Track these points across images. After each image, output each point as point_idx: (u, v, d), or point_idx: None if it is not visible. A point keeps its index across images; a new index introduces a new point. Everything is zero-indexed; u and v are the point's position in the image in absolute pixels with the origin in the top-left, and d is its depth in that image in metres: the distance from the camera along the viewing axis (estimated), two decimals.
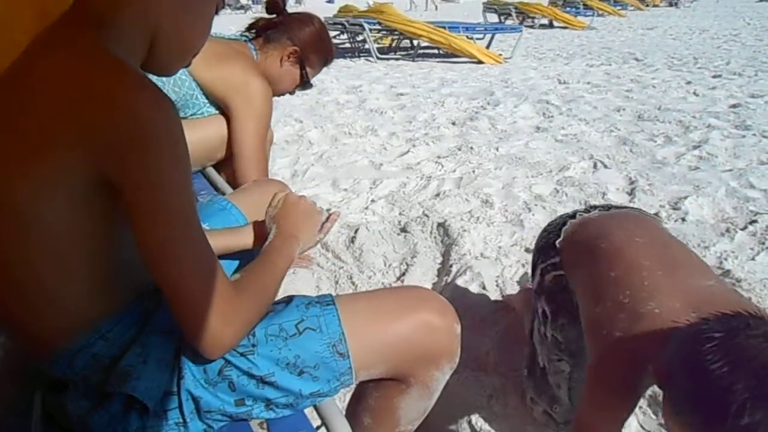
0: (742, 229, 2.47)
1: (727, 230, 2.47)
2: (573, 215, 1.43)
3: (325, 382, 0.92)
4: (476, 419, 1.66)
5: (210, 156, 1.94)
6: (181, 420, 0.86)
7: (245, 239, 1.14)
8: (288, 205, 1.10)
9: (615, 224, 1.30)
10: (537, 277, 1.41)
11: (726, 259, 2.22)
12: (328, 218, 1.15)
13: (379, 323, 0.97)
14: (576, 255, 1.33)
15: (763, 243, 2.33)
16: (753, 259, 2.23)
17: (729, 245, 2.35)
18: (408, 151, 3.74)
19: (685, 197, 2.77)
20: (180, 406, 0.85)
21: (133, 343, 0.84)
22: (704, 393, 0.76)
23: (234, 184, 1.84)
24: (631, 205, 2.75)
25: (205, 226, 1.17)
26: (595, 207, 1.47)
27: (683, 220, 2.59)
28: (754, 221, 2.51)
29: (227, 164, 1.95)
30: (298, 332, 0.91)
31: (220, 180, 1.91)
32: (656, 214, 2.68)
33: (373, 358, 0.96)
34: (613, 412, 1.07)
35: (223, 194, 1.62)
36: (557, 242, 1.37)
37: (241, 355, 0.87)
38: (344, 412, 1.06)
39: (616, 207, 1.48)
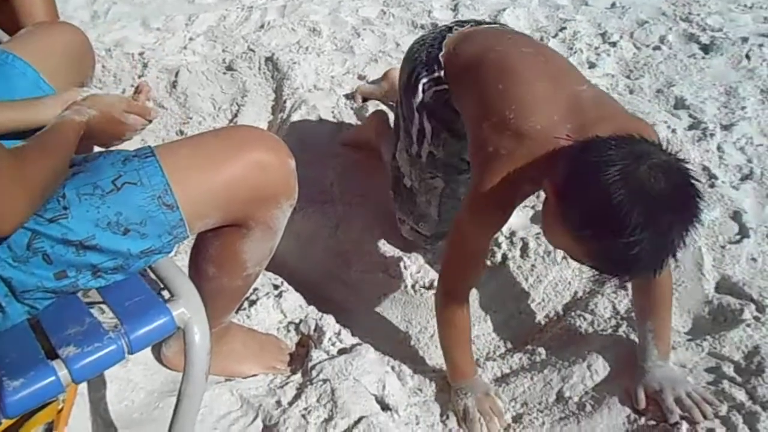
0: (553, 37, 2.61)
1: (541, 39, 2.60)
2: (449, 29, 1.39)
3: (156, 238, 0.86)
4: (323, 248, 1.72)
5: None
6: None
7: (45, 112, 0.93)
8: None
9: (500, 36, 1.29)
10: (418, 94, 1.39)
11: None
12: (137, 91, 1.03)
13: (207, 168, 0.91)
14: (462, 68, 1.31)
15: (571, 48, 2.50)
16: None
17: None
18: None
19: (504, 9, 2.84)
20: None
21: None
22: (602, 213, 0.90)
23: (13, 29, 1.55)
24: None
25: None
26: (462, 23, 1.44)
27: None
28: (564, 28, 2.66)
29: (2, 8, 1.62)
30: (116, 188, 0.83)
31: None
32: None
33: (205, 206, 0.91)
34: (491, 226, 1.20)
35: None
36: (440, 55, 1.33)
37: (50, 221, 0.78)
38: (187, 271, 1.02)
39: (486, 23, 1.46)
